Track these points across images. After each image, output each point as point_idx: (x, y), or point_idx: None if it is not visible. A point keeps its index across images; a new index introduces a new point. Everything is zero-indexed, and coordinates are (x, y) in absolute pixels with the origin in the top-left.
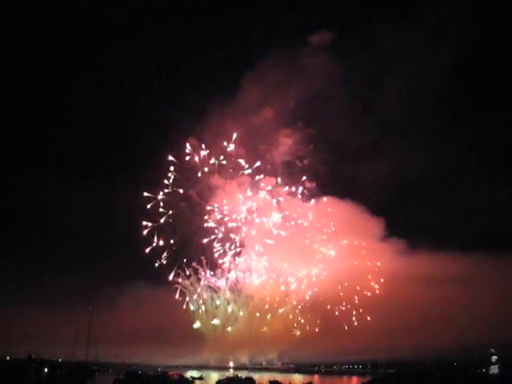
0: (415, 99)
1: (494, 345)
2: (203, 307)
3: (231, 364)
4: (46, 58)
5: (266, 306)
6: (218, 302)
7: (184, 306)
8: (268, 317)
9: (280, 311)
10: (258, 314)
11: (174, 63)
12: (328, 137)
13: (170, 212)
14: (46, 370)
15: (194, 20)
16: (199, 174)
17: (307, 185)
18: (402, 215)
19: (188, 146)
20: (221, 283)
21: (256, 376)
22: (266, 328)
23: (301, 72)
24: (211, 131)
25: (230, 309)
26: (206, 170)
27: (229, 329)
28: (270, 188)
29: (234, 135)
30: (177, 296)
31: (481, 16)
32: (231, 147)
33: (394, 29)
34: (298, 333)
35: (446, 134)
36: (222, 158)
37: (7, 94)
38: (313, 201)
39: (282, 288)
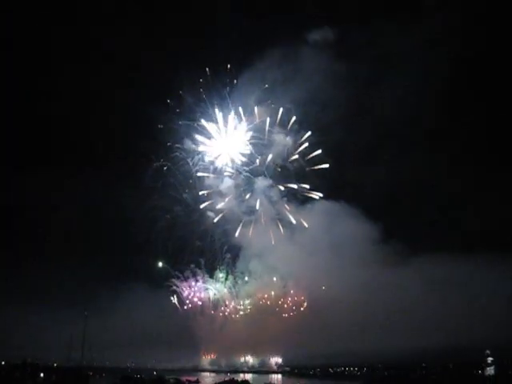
0: (414, 101)
1: (490, 346)
2: (201, 309)
3: (226, 367)
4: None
5: (264, 306)
6: (214, 300)
7: (180, 309)
8: (266, 318)
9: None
10: (255, 315)
11: (169, 62)
12: (324, 138)
13: (166, 216)
14: (41, 374)
15: (191, 17)
16: (193, 177)
17: (302, 187)
18: (401, 218)
19: (182, 148)
20: (219, 284)
21: (251, 379)
22: (263, 329)
23: (299, 71)
24: (205, 133)
25: (227, 310)
26: (201, 172)
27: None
28: (265, 189)
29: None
30: (174, 299)
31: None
32: (225, 148)
33: (396, 29)
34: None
35: (444, 136)
36: (216, 159)
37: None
38: (308, 203)
39: (281, 289)
